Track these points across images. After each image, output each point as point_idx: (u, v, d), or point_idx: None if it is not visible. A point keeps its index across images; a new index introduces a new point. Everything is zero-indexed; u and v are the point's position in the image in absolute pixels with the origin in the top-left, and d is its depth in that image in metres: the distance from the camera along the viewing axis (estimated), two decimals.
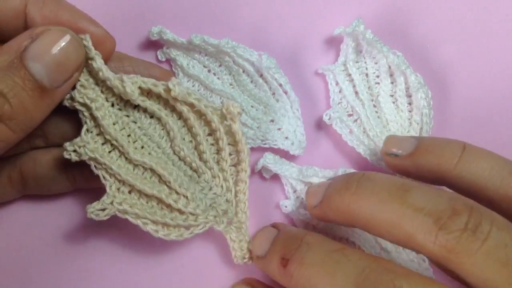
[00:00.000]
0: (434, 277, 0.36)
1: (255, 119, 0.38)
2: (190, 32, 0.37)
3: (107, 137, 0.33)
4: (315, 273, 0.29)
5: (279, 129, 0.39)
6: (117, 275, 0.37)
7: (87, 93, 0.32)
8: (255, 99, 0.39)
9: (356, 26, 0.38)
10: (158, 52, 0.38)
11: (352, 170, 0.37)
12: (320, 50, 0.40)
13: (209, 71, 0.39)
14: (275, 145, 0.38)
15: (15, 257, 0.36)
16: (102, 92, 0.33)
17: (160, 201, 0.34)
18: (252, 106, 0.39)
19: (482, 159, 0.31)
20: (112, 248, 0.37)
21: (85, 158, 0.32)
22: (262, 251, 0.33)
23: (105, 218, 0.32)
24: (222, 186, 0.35)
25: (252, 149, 0.39)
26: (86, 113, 0.33)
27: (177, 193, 0.34)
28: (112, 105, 0.34)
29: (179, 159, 0.35)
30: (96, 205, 0.32)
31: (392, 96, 0.40)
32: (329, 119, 0.39)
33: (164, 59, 0.39)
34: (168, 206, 0.34)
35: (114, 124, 0.33)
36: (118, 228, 0.37)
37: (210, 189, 0.35)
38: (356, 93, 0.40)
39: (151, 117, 0.35)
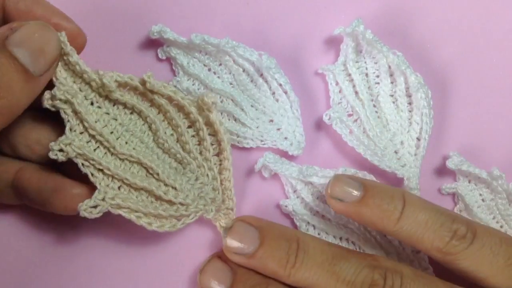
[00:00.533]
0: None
1: (255, 119, 0.38)
2: (191, 31, 0.37)
3: (92, 132, 0.33)
4: None
5: (278, 129, 0.39)
6: (112, 269, 0.37)
7: (68, 90, 0.33)
8: (255, 98, 0.39)
9: (356, 26, 0.38)
10: (158, 50, 0.38)
11: (353, 170, 0.37)
12: (320, 50, 0.40)
13: (209, 70, 0.39)
14: (274, 145, 0.38)
15: (9, 258, 0.36)
16: (80, 90, 0.33)
17: (150, 194, 0.34)
18: (251, 106, 0.39)
19: (419, 212, 0.33)
20: (105, 243, 0.37)
21: (72, 156, 0.32)
22: None
23: (98, 215, 0.32)
24: (207, 175, 0.36)
25: (251, 149, 0.39)
26: (68, 111, 0.33)
27: (166, 184, 0.34)
28: (92, 104, 0.34)
29: (163, 152, 0.36)
30: (88, 203, 0.32)
31: (392, 96, 0.40)
32: (329, 119, 0.38)
33: (164, 58, 0.39)
34: (158, 198, 0.34)
35: (96, 121, 0.34)
36: (109, 224, 0.37)
37: (196, 179, 0.36)
38: (356, 93, 0.40)
39: (131, 113, 0.35)
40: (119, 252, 0.37)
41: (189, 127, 0.36)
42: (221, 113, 0.38)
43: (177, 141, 0.36)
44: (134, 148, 0.35)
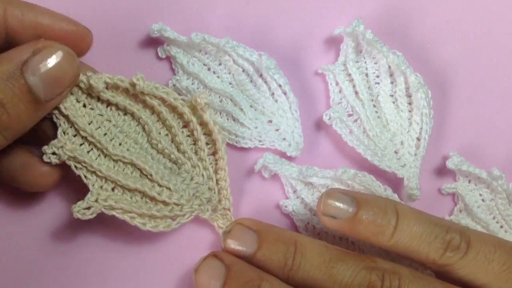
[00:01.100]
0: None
1: (253, 119, 0.38)
2: (191, 30, 0.37)
3: (83, 134, 0.34)
4: None
5: (277, 130, 0.39)
6: (107, 268, 0.37)
7: None
8: (254, 99, 0.39)
9: (356, 26, 0.38)
10: (158, 49, 0.38)
11: (352, 171, 0.37)
12: (320, 50, 0.40)
13: (208, 69, 0.39)
14: (272, 145, 0.38)
15: (7, 257, 0.36)
16: (71, 93, 0.34)
17: (144, 194, 0.34)
18: (250, 106, 0.39)
19: (414, 225, 0.34)
20: (101, 242, 0.37)
21: (64, 158, 0.33)
22: None
23: (91, 217, 0.33)
24: (203, 175, 0.36)
25: (251, 149, 0.39)
26: (59, 115, 0.33)
27: (159, 185, 0.35)
28: (84, 106, 0.34)
29: (157, 152, 0.36)
30: (81, 204, 0.32)
31: (392, 96, 0.40)
32: (329, 119, 0.38)
33: (164, 56, 0.38)
34: (152, 199, 0.34)
35: (89, 124, 0.34)
36: (105, 224, 0.36)
37: (192, 179, 0.36)
38: (356, 93, 0.40)
39: (125, 114, 0.35)
40: (115, 251, 0.37)
41: (184, 127, 0.36)
42: (220, 113, 0.38)
43: (171, 142, 0.36)
44: (128, 149, 0.35)
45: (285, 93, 0.39)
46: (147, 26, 0.38)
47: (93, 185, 0.33)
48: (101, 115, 0.35)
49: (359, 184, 0.37)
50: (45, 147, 0.33)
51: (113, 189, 0.34)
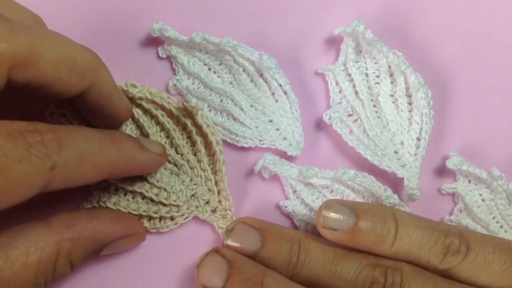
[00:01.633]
0: None
1: (254, 118, 0.38)
2: (192, 30, 0.37)
3: None
4: None
5: (277, 129, 0.39)
6: (108, 266, 0.37)
7: (62, 104, 0.35)
8: (255, 98, 0.39)
9: (356, 26, 0.38)
10: (159, 49, 0.38)
11: (353, 171, 0.37)
12: (320, 50, 0.40)
13: (209, 69, 0.39)
14: (273, 145, 0.38)
15: None
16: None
17: (144, 196, 0.36)
18: (251, 106, 0.39)
19: (413, 232, 0.34)
20: None
21: None
22: (213, 286, 0.33)
23: None
24: (201, 176, 0.37)
25: (251, 149, 0.39)
26: (66, 123, 0.35)
27: (157, 187, 0.36)
28: None
29: None
30: (86, 205, 0.35)
31: (392, 96, 0.40)
32: (329, 119, 0.38)
33: (165, 56, 0.38)
34: (151, 200, 0.36)
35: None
36: None
37: (191, 180, 0.37)
38: (356, 93, 0.40)
39: None
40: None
41: (184, 129, 0.37)
42: (220, 112, 0.38)
43: (171, 144, 0.37)
44: None
45: (285, 93, 0.39)
46: (147, 26, 0.38)
47: (97, 187, 0.36)
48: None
49: (359, 185, 0.37)
50: None
51: (116, 190, 0.36)
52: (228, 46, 0.37)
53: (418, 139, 0.39)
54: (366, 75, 0.40)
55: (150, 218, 0.36)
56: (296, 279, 0.33)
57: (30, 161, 0.26)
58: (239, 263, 0.33)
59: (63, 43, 0.29)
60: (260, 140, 0.38)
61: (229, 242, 0.34)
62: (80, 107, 0.33)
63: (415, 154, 0.39)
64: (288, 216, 0.39)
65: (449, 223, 0.39)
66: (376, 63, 0.40)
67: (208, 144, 0.37)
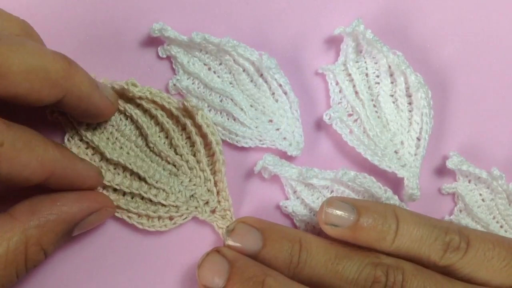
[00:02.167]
0: None
1: (254, 118, 0.38)
2: (191, 30, 0.37)
3: (85, 140, 0.36)
4: None
5: (277, 129, 0.39)
6: (109, 266, 0.37)
7: None
8: (255, 98, 0.39)
9: (356, 26, 0.38)
10: (159, 48, 0.38)
11: (353, 172, 0.37)
12: (320, 50, 0.40)
13: (209, 69, 0.39)
14: (273, 145, 0.38)
15: None
16: None
17: (143, 196, 0.36)
18: (251, 106, 0.39)
19: (414, 229, 0.34)
20: (103, 240, 0.37)
21: None
22: (214, 286, 0.33)
23: None
24: (200, 177, 0.37)
25: (251, 149, 0.39)
26: (66, 122, 0.36)
27: (156, 188, 0.36)
28: None
29: (156, 155, 0.37)
30: None
31: (392, 96, 0.40)
32: (329, 119, 0.38)
33: (164, 56, 0.38)
34: (150, 200, 0.36)
35: (94, 129, 0.37)
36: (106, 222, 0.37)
37: (190, 180, 0.37)
38: (356, 93, 0.40)
39: (126, 119, 0.37)
40: (116, 249, 0.37)
41: (183, 129, 0.37)
42: (220, 112, 0.38)
43: (171, 144, 0.37)
44: (128, 153, 0.37)
45: (285, 93, 0.39)
46: (147, 26, 0.38)
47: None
48: (106, 120, 0.36)
49: (360, 186, 0.37)
50: None
51: (115, 190, 0.36)
52: (228, 46, 0.37)
53: (418, 139, 0.39)
54: (366, 75, 0.40)
55: (148, 217, 0.36)
56: (298, 279, 0.33)
57: None
58: (240, 263, 0.33)
59: (33, 53, 0.29)
60: (260, 140, 0.38)
61: (230, 242, 0.34)
62: (63, 109, 0.33)
63: (415, 154, 0.39)
64: (288, 216, 0.39)
65: None
66: (376, 63, 0.40)
67: (207, 144, 0.37)
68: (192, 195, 0.37)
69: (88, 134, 0.36)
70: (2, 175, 0.28)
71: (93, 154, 0.37)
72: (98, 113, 0.34)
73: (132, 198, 0.36)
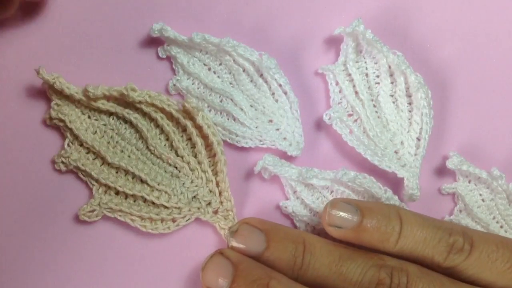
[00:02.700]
0: None
1: (254, 118, 0.38)
2: (191, 30, 0.37)
3: (86, 145, 0.37)
4: None
5: (277, 129, 0.39)
6: (111, 268, 0.37)
7: (61, 110, 0.36)
8: (255, 98, 0.39)
9: (356, 26, 0.38)
10: (159, 49, 0.38)
11: (353, 173, 0.37)
12: (320, 50, 0.40)
13: (209, 69, 0.39)
14: (273, 145, 0.38)
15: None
16: (76, 107, 0.37)
17: (145, 199, 0.37)
18: (251, 106, 0.39)
19: (417, 230, 0.34)
20: (105, 242, 0.37)
21: (71, 167, 0.37)
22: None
23: (96, 219, 0.36)
24: (201, 178, 0.37)
25: (251, 150, 0.39)
26: (65, 128, 0.37)
27: (158, 190, 0.36)
28: (89, 117, 0.37)
29: (157, 157, 0.37)
30: (86, 208, 0.36)
31: (392, 96, 0.40)
32: (329, 119, 0.38)
33: (164, 56, 0.38)
34: (153, 202, 0.37)
35: (94, 133, 0.37)
36: (109, 225, 0.37)
37: (192, 182, 0.37)
38: (356, 93, 0.40)
39: (126, 122, 0.37)
40: (120, 252, 0.37)
41: (184, 131, 0.37)
42: (220, 113, 0.38)
43: (171, 146, 0.37)
44: (129, 156, 0.37)
45: (285, 93, 0.39)
46: (147, 26, 0.38)
47: (98, 190, 0.36)
48: (105, 124, 0.37)
49: (359, 186, 0.37)
50: (55, 156, 0.36)
51: (117, 193, 0.37)
52: (228, 46, 0.37)
53: (418, 139, 0.39)
54: (366, 75, 0.40)
55: (151, 219, 0.36)
56: (301, 281, 0.33)
57: None
58: (244, 265, 0.33)
59: None
60: (260, 140, 0.38)
61: (234, 243, 0.34)
62: None
63: (415, 154, 0.39)
64: (288, 216, 0.39)
65: None
66: (376, 63, 0.40)
67: (208, 145, 0.37)
68: (194, 197, 0.37)
69: (88, 140, 0.36)
70: None
71: (94, 159, 0.37)
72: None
73: (135, 201, 0.37)
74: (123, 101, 0.37)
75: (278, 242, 0.34)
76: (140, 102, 0.36)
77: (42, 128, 0.37)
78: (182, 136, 0.37)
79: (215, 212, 0.37)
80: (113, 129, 0.37)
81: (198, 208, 0.37)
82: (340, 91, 0.40)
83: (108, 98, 0.37)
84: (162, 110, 0.37)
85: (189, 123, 0.37)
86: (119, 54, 0.38)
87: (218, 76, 0.39)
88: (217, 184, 0.37)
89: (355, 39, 0.39)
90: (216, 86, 0.38)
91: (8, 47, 0.37)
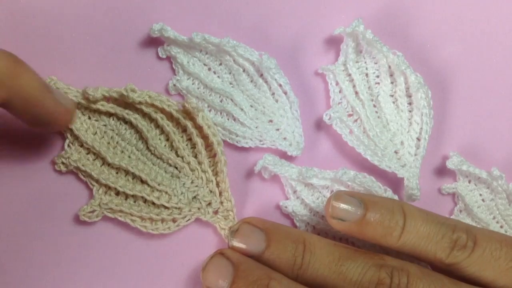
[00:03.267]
0: None
1: (254, 118, 0.38)
2: (191, 30, 0.37)
3: (86, 146, 0.37)
4: None
5: (277, 129, 0.39)
6: (111, 269, 0.37)
7: None
8: (255, 99, 0.39)
9: (356, 26, 0.38)
10: (159, 49, 0.38)
11: (352, 172, 0.37)
12: (320, 50, 0.40)
13: (209, 69, 0.39)
14: (273, 145, 0.38)
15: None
16: (77, 108, 0.37)
17: (145, 199, 0.37)
18: (251, 106, 0.39)
19: (421, 226, 0.34)
20: (105, 243, 0.37)
21: (71, 168, 0.37)
22: None
23: (96, 219, 0.36)
24: (202, 178, 0.37)
25: (251, 150, 0.39)
26: (65, 128, 0.37)
27: (158, 190, 0.36)
28: (89, 118, 0.37)
29: (157, 158, 0.37)
30: (86, 208, 0.36)
31: (392, 96, 0.40)
32: (329, 119, 0.38)
33: (164, 56, 0.38)
34: (153, 203, 0.37)
35: (94, 134, 0.37)
36: (109, 226, 0.37)
37: (192, 182, 0.37)
38: (356, 93, 0.40)
39: (126, 123, 0.37)
40: (120, 252, 0.37)
41: (184, 131, 0.37)
42: (220, 113, 0.38)
43: (172, 147, 0.37)
44: (129, 156, 0.37)
45: (285, 93, 0.39)
46: (147, 26, 0.37)
47: (98, 190, 0.36)
48: (105, 125, 0.37)
49: (359, 185, 0.37)
50: (55, 157, 0.37)
51: (117, 194, 0.37)
52: (228, 46, 0.37)
53: (418, 139, 0.39)
54: (366, 75, 0.40)
55: (152, 220, 0.36)
56: (301, 280, 0.33)
57: None
58: (244, 266, 0.33)
59: None
60: (260, 140, 0.38)
61: (234, 243, 0.34)
62: (11, 112, 0.31)
63: (415, 154, 0.39)
64: (288, 216, 0.39)
65: None
66: (376, 63, 0.40)
67: (208, 145, 0.37)
68: (195, 197, 0.37)
69: (89, 140, 0.36)
70: None
71: (94, 159, 0.37)
72: (51, 120, 0.33)
73: (135, 201, 0.37)
74: (123, 102, 0.37)
75: (279, 242, 0.34)
76: (140, 103, 0.36)
77: None
78: (182, 137, 0.37)
79: (215, 212, 0.37)
80: (113, 130, 0.37)
81: (199, 209, 0.37)
82: (340, 91, 0.40)
83: (107, 99, 0.37)
84: (162, 111, 0.37)
85: (189, 124, 0.37)
86: (119, 54, 0.38)
87: (218, 76, 0.39)
88: (217, 184, 0.37)
89: (355, 39, 0.39)
90: (216, 86, 0.38)
91: None
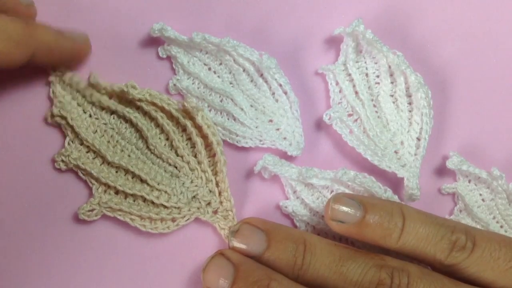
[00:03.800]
0: None
1: (254, 118, 0.38)
2: (191, 30, 0.37)
3: (86, 143, 0.37)
4: None
5: (277, 129, 0.39)
6: (111, 269, 0.37)
7: (63, 106, 0.37)
8: (255, 98, 0.39)
9: (356, 26, 0.38)
10: (159, 49, 0.38)
11: (353, 172, 0.37)
12: (320, 50, 0.40)
13: (209, 69, 0.39)
14: (273, 145, 0.38)
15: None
16: (78, 104, 0.37)
17: (145, 198, 0.36)
18: (251, 106, 0.39)
19: (420, 227, 0.34)
20: (105, 243, 0.37)
21: (70, 166, 0.36)
22: None
23: (95, 218, 0.36)
24: (201, 178, 0.37)
25: (251, 150, 0.39)
26: (66, 126, 0.37)
27: (157, 189, 0.36)
28: (90, 116, 0.37)
29: (157, 157, 0.37)
30: (85, 207, 0.36)
31: (392, 96, 0.40)
32: (329, 119, 0.38)
33: (164, 56, 0.38)
34: (152, 202, 0.36)
35: (94, 132, 0.37)
36: (108, 225, 0.37)
37: (191, 181, 0.37)
38: (356, 93, 0.40)
39: (126, 121, 0.37)
40: (119, 252, 0.37)
41: (184, 130, 0.37)
42: (220, 112, 0.38)
43: (171, 146, 0.37)
44: (129, 155, 0.37)
45: (285, 93, 0.39)
46: (147, 26, 0.38)
47: (97, 189, 0.36)
48: (105, 123, 0.37)
49: (359, 185, 0.37)
50: (55, 154, 0.36)
51: (117, 193, 0.37)
52: (228, 46, 0.37)
53: (418, 139, 0.39)
54: (366, 75, 0.40)
55: (151, 219, 0.36)
56: (302, 280, 0.33)
57: None
58: (245, 266, 0.33)
59: None
60: (260, 140, 0.38)
61: (235, 244, 0.34)
62: (40, 64, 0.35)
63: (415, 154, 0.39)
64: (288, 216, 0.39)
65: None
66: (376, 63, 0.40)
67: (208, 145, 0.37)
68: (194, 196, 0.37)
69: (89, 138, 0.36)
70: None
71: (94, 158, 0.37)
72: (73, 56, 0.36)
73: (134, 200, 0.37)
74: (124, 100, 0.37)
75: (279, 242, 0.34)
76: (140, 100, 0.36)
77: (42, 127, 0.37)
78: (182, 136, 0.37)
79: (215, 212, 0.37)
80: (113, 128, 0.37)
81: (198, 208, 0.37)
82: (340, 91, 0.40)
83: (110, 95, 0.37)
84: (162, 109, 0.37)
85: (188, 123, 0.37)
86: (119, 53, 0.38)
87: (218, 76, 0.39)
88: (217, 184, 0.37)
89: (355, 39, 0.39)
90: (216, 86, 0.38)
91: None
